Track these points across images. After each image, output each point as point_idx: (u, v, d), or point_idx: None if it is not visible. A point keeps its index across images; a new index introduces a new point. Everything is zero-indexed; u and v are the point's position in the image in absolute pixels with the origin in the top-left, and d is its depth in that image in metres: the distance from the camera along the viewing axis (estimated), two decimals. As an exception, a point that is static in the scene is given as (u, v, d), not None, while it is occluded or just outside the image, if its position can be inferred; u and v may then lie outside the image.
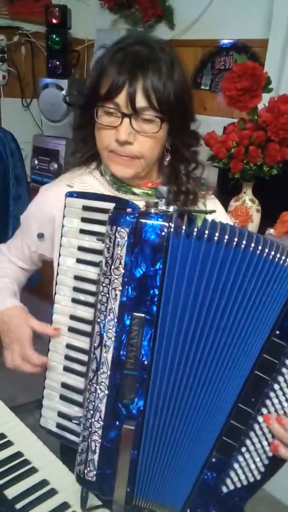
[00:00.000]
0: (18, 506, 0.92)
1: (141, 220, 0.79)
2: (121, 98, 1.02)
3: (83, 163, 1.22)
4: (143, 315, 0.80)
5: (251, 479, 0.85)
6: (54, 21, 3.00)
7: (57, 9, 2.96)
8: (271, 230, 1.89)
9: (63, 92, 2.92)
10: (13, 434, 1.10)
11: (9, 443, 1.07)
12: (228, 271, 0.78)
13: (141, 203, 0.86)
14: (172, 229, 0.78)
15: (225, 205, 1.34)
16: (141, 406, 0.81)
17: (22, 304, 1.15)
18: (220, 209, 1.29)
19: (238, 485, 0.85)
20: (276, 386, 0.81)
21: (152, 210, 0.81)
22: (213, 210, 1.10)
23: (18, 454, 1.04)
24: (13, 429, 1.12)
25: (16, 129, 2.76)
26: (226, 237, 0.78)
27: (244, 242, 0.78)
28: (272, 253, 0.78)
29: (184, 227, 0.79)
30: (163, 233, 0.78)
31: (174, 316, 0.80)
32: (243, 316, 0.80)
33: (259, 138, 1.90)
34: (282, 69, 2.35)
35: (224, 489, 0.85)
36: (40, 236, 1.22)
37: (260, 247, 0.78)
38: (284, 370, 0.81)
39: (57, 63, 3.06)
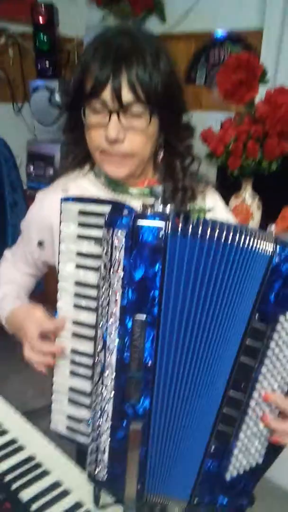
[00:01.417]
0: (33, 508, 0.99)
1: (138, 222, 0.82)
2: (107, 94, 1.02)
3: (76, 165, 1.23)
4: (144, 317, 0.84)
5: (253, 463, 0.90)
6: (40, 20, 3.01)
7: (43, 7, 2.97)
8: (273, 227, 1.93)
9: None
10: (25, 439, 1.17)
11: (20, 448, 1.13)
12: (218, 265, 0.83)
13: (138, 203, 0.88)
14: (169, 230, 0.82)
15: (225, 203, 1.38)
16: (147, 405, 0.86)
17: (27, 304, 1.21)
18: (220, 204, 1.31)
19: (241, 470, 0.90)
20: (263, 370, 0.86)
21: (149, 211, 0.84)
22: (210, 209, 1.14)
23: (30, 458, 1.11)
24: (24, 434, 1.19)
25: (9, 135, 2.79)
26: (216, 232, 0.82)
27: (225, 234, 0.82)
28: (249, 241, 0.83)
29: (180, 227, 0.83)
30: (160, 234, 0.82)
31: (174, 315, 0.85)
32: (230, 306, 0.85)
33: (257, 132, 1.93)
34: (278, 59, 2.39)
35: (228, 476, 0.90)
36: (40, 244, 1.25)
37: (238, 237, 0.83)
38: (269, 352, 0.85)
39: (47, 64, 3.08)
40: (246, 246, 0.83)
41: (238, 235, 0.83)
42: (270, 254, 0.83)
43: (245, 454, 0.89)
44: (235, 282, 0.84)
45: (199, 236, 0.83)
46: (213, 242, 0.83)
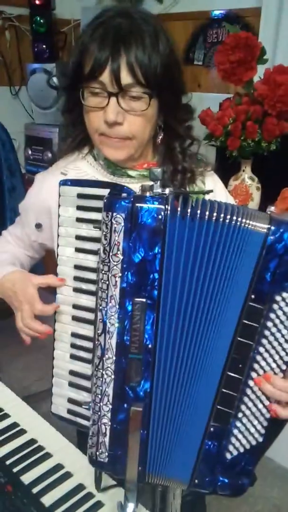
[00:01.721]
0: (35, 490, 1.00)
1: (137, 204, 0.81)
2: (105, 76, 1.01)
3: (75, 148, 1.23)
4: (144, 300, 0.83)
5: (254, 443, 0.89)
6: (37, 1, 2.99)
7: (39, -11, 2.95)
8: (272, 208, 1.92)
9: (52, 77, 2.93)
10: (26, 423, 1.17)
11: (22, 431, 1.14)
12: (217, 246, 0.82)
13: (137, 186, 0.87)
14: (168, 212, 0.81)
15: (224, 185, 1.37)
16: (147, 388, 0.86)
17: (22, 269, 1.20)
18: (219, 186, 1.31)
19: (241, 450, 0.89)
20: (261, 349, 0.85)
21: (148, 194, 0.83)
22: (210, 190, 1.12)
23: (32, 441, 1.11)
24: (26, 417, 1.20)
25: (6, 119, 2.76)
26: (214, 213, 0.82)
27: (222, 215, 0.82)
28: (244, 220, 0.82)
29: (179, 209, 0.82)
30: (160, 216, 0.81)
31: (174, 298, 0.84)
32: (227, 286, 0.84)
33: (256, 112, 1.92)
34: (277, 38, 2.36)
35: (228, 456, 0.90)
36: (38, 226, 1.25)
37: (234, 217, 0.82)
38: (266, 332, 0.84)
39: (44, 46, 3.07)
40: (241, 225, 0.82)
41: (233, 215, 0.82)
42: (264, 233, 0.82)
43: (244, 434, 0.89)
44: (231, 262, 0.84)
45: (197, 217, 0.82)
46: (211, 223, 0.82)
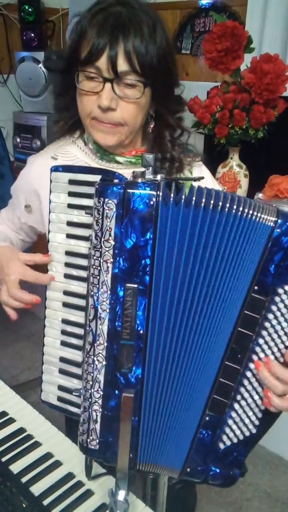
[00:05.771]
0: (24, 480, 0.97)
1: (129, 190, 0.79)
2: (102, 62, 1.01)
3: (66, 132, 1.22)
4: (136, 285, 0.81)
5: (247, 433, 0.87)
6: (25, -9, 2.95)
7: (27, -22, 2.90)
8: (260, 195, 1.90)
9: (40, 65, 2.88)
10: (15, 412, 1.14)
11: (11, 420, 1.11)
12: (215, 235, 0.80)
13: (124, 172, 0.87)
14: (160, 198, 0.79)
15: (213, 172, 1.34)
16: (139, 374, 0.84)
17: (10, 245, 1.18)
18: (208, 176, 1.30)
19: (235, 440, 0.88)
20: (261, 341, 0.83)
21: (139, 180, 0.82)
22: (201, 177, 1.11)
23: (21, 430, 1.09)
24: (15, 406, 1.17)
25: (-6, 107, 2.73)
26: (212, 201, 0.79)
27: (227, 204, 0.79)
28: (251, 212, 0.79)
29: (172, 195, 0.80)
30: (152, 202, 0.79)
31: (166, 284, 0.82)
32: (227, 277, 0.82)
33: (243, 100, 1.90)
34: (263, 27, 2.33)
35: (221, 446, 0.88)
36: (27, 207, 1.25)
37: (241, 208, 0.79)
38: (267, 324, 0.83)
39: (32, 35, 3.03)
40: (248, 217, 0.80)
41: (240, 205, 0.80)
42: (271, 226, 0.79)
43: (239, 424, 0.87)
44: (234, 253, 0.81)
45: (192, 204, 0.80)
46: (208, 211, 0.79)
